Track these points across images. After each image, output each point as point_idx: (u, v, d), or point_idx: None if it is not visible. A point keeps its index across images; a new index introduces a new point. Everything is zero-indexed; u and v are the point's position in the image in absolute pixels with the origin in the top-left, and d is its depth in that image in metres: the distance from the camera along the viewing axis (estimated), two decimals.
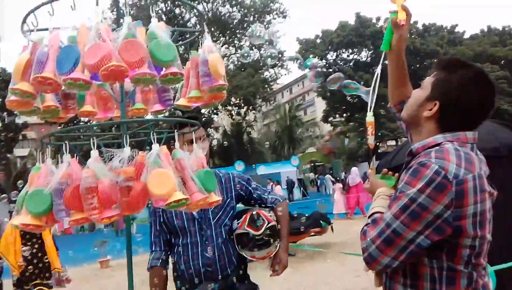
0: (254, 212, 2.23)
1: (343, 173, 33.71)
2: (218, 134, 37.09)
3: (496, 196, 1.37)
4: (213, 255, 2.23)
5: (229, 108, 31.96)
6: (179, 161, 1.59)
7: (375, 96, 1.64)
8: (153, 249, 2.34)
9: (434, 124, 1.40)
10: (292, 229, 8.33)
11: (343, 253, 7.56)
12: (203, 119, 29.59)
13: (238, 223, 2.26)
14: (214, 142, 35.93)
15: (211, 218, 2.28)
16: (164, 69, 1.48)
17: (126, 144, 1.45)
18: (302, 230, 8.08)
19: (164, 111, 2.02)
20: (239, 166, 25.99)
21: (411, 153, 1.42)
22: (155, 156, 1.46)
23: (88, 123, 1.66)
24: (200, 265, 2.21)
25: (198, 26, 27.17)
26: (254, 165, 27.45)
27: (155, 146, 1.48)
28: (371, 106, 1.66)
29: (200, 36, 1.84)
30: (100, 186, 1.36)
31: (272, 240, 2.22)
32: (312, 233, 8.67)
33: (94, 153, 1.39)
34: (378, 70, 1.65)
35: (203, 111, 29.53)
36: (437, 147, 1.32)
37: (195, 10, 28.19)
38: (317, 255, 8.37)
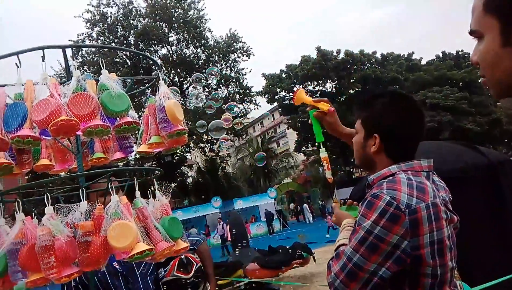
0: (183, 256, 2.21)
1: (321, 201, 33.91)
2: (192, 171, 36.75)
3: (458, 221, 1.39)
4: None
5: (202, 145, 31.89)
6: (141, 211, 1.55)
7: (321, 136, 1.73)
8: None
9: (384, 156, 1.43)
10: (275, 263, 8.24)
11: (326, 286, 7.47)
12: (176, 158, 29.35)
13: (165, 271, 2.22)
14: (189, 180, 35.53)
15: (135, 269, 2.18)
16: (118, 119, 1.47)
17: (83, 198, 1.42)
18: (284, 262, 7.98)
19: (126, 158, 2.00)
20: (216, 202, 25.68)
21: (368, 185, 1.44)
22: (114, 207, 1.43)
23: (45, 179, 1.61)
24: None
25: (164, 69, 27.43)
26: (231, 200, 27.15)
27: (114, 197, 1.45)
28: (321, 143, 1.73)
29: (157, 83, 1.85)
30: (56, 244, 1.32)
31: (200, 281, 2.23)
32: (295, 265, 8.56)
33: (49, 209, 1.35)
34: (322, 155, 1.77)
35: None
36: (390, 178, 1.33)
37: (158, 53, 28.66)
38: (301, 288, 8.23)
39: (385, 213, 1.23)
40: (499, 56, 0.77)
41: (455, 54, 39.32)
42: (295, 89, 35.51)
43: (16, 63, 1.39)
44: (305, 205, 31.13)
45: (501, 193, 3.34)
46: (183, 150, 31.38)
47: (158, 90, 1.74)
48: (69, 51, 1.57)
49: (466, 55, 38.44)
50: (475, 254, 2.98)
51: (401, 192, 1.25)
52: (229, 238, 18.61)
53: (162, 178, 1.72)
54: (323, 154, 1.73)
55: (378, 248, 1.23)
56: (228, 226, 19.35)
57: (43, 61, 1.40)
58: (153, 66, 26.42)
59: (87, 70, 25.18)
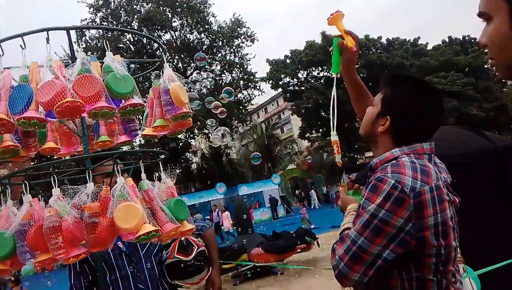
0: (182, 238, 2.22)
1: (325, 187, 34.00)
2: (197, 157, 36.87)
3: (459, 203, 1.40)
4: (147, 286, 2.17)
5: (206, 131, 31.94)
6: (146, 193, 1.56)
7: (335, 117, 1.66)
8: None
9: (389, 138, 1.43)
10: (279, 247, 8.31)
11: (330, 269, 7.53)
12: (180, 144, 29.43)
13: (167, 253, 2.24)
14: (194, 166, 35.66)
15: (139, 249, 2.22)
16: (123, 101, 1.47)
17: (90, 180, 1.42)
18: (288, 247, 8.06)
19: (131, 141, 2.00)
20: (221, 188, 25.81)
21: (371, 168, 1.44)
22: (120, 189, 1.44)
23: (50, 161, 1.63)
24: None
25: (168, 55, 27.28)
26: (236, 186, 27.27)
27: (120, 179, 1.45)
28: (333, 126, 1.66)
29: (161, 66, 1.85)
30: (64, 225, 1.33)
31: (203, 265, 2.23)
32: (299, 250, 8.63)
33: (56, 191, 1.36)
34: (334, 92, 1.68)
35: (180, 136, 29.41)
36: (394, 161, 1.34)
37: (162, 39, 28.50)
38: (305, 272, 8.31)
39: (390, 196, 1.23)
40: (508, 38, 0.78)
41: (461, 39, 38.80)
42: (299, 74, 35.27)
43: (20, 45, 1.39)
44: (312, 191, 31.28)
45: (506, 178, 3.33)
46: (187, 136, 31.46)
47: (163, 73, 1.73)
48: (73, 34, 1.57)
49: (472, 40, 37.96)
50: (480, 238, 2.98)
51: (405, 176, 1.26)
52: (224, 225, 18.80)
53: (167, 162, 1.73)
54: (334, 137, 1.67)
55: (382, 231, 1.24)
56: (223, 214, 19.58)
57: (48, 42, 1.39)
58: (157, 52, 26.30)
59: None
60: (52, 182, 1.37)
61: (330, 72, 1.70)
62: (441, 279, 1.30)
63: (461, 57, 33.89)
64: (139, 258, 2.20)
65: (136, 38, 27.14)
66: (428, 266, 1.28)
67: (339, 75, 1.74)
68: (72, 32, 1.58)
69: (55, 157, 1.85)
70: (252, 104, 40.04)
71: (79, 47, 1.65)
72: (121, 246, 2.18)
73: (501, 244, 3.12)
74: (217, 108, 4.86)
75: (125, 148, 2.03)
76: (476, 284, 2.80)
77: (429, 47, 38.86)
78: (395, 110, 1.41)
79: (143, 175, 1.59)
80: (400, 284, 1.30)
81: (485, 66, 33.96)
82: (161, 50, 1.88)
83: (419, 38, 38.94)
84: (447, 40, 39.19)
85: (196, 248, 2.22)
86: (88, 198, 1.41)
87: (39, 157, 1.86)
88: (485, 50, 0.86)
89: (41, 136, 1.86)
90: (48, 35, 1.43)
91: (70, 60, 1.48)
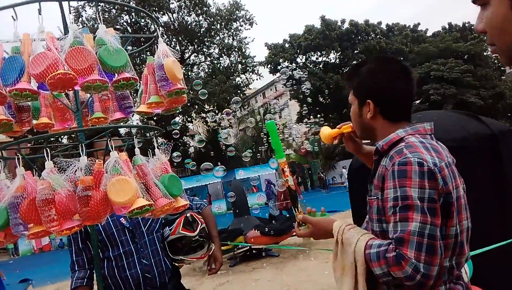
0: (188, 215, 2.25)
1: (322, 172, 34.14)
2: (194, 141, 36.83)
3: (463, 184, 1.38)
4: (150, 261, 2.20)
5: (203, 115, 31.83)
6: (140, 168, 1.57)
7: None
8: (76, 268, 2.19)
9: (382, 119, 1.43)
10: (275, 230, 8.37)
11: (326, 249, 7.62)
12: (178, 127, 29.38)
13: (170, 229, 2.27)
14: (191, 150, 35.66)
15: (142, 225, 2.25)
16: (116, 75, 1.46)
17: (83, 153, 1.42)
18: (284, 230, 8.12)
19: (125, 118, 1.99)
20: (218, 172, 25.86)
21: (377, 152, 1.41)
22: (114, 164, 1.44)
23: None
24: (139, 272, 2.16)
25: (165, 37, 27.01)
26: (233, 170, 27.32)
27: (113, 153, 1.45)
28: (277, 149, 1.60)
29: (155, 42, 1.83)
30: (57, 197, 1.33)
31: (205, 241, 2.27)
32: (294, 233, 8.68)
33: (49, 164, 1.36)
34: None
35: (177, 119, 29.30)
36: (403, 143, 1.32)
37: (159, 20, 28.15)
38: (301, 254, 8.40)
39: (423, 173, 1.21)
40: (508, 20, 0.71)
41: (461, 25, 38.56)
42: (298, 59, 35.00)
43: (12, 16, 1.37)
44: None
45: (501, 162, 3.35)
46: (184, 119, 31.36)
47: (157, 48, 1.71)
48: (65, 6, 1.54)
49: (472, 27, 37.63)
50: (476, 221, 3.00)
51: (423, 154, 1.25)
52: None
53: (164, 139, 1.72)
54: (281, 158, 1.61)
55: (435, 209, 1.21)
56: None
57: (40, 14, 1.37)
58: (154, 34, 26.04)
59: None
60: (45, 155, 1.36)
61: (275, 157, 1.60)
62: (453, 265, 1.28)
63: (461, 44, 33.71)
64: (142, 234, 2.23)
65: (133, 20, 26.79)
66: (448, 248, 1.25)
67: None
68: (67, 11, 1.54)
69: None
70: (250, 89, 39.84)
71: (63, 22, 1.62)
72: (124, 222, 2.21)
73: (494, 228, 3.16)
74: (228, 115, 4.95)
75: None
76: (469, 266, 2.83)
77: (429, 33, 38.72)
78: (370, 91, 1.42)
79: (137, 150, 1.59)
80: None
81: (484, 54, 33.84)
82: (155, 26, 1.85)
83: (419, 24, 38.85)
84: (447, 26, 38.96)
85: (200, 225, 2.25)
86: (81, 172, 1.41)
87: (33, 133, 1.85)
88: (484, 37, 0.80)
89: (34, 111, 1.85)
90: (40, 6, 1.40)
91: (63, 34, 1.46)
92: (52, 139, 1.47)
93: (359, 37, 34.78)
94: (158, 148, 1.73)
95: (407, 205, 1.20)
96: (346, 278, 1.34)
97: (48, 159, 1.37)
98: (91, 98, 1.91)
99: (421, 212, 1.18)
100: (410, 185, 1.20)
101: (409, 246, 1.18)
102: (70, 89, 1.33)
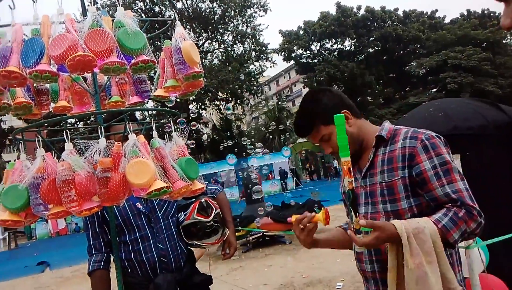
0: (202, 200, 2.26)
1: (334, 160, 34.01)
2: (208, 129, 37.01)
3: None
4: (166, 246, 2.22)
5: (217, 102, 31.87)
6: (158, 150, 1.58)
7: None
8: (93, 252, 2.20)
9: (361, 121, 1.66)
10: (287, 217, 8.38)
11: None
12: (192, 115, 29.53)
13: (185, 214, 2.28)
14: (204, 137, 35.86)
15: (157, 210, 2.26)
16: (134, 57, 1.46)
17: (102, 135, 1.44)
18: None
19: (142, 102, 2.00)
20: (231, 159, 25.98)
21: (382, 139, 1.58)
22: (132, 146, 1.45)
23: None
24: (155, 256, 2.18)
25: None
26: (246, 157, 27.40)
27: (132, 136, 1.46)
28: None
29: (172, 26, 1.82)
30: (76, 178, 1.35)
31: (219, 227, 2.28)
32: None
33: (68, 145, 1.37)
34: None
35: (191, 107, 29.41)
36: (404, 129, 1.57)
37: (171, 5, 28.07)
38: None
39: (444, 144, 1.49)
40: None
41: (480, 12, 37.59)
42: (312, 46, 34.57)
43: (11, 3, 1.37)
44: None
45: None
46: (198, 107, 31.45)
47: (174, 32, 1.71)
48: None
49: (491, 14, 36.74)
50: (493, 209, 2.97)
51: (426, 131, 1.53)
52: None
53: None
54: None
55: (457, 169, 1.46)
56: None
57: None
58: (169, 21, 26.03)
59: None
60: (65, 136, 1.38)
61: (341, 155, 1.41)
62: None
63: (479, 31, 32.93)
64: (158, 219, 2.25)
65: (148, 7, 26.76)
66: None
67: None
68: None
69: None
70: (264, 76, 39.68)
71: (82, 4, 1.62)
72: (140, 207, 2.23)
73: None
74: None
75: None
76: (485, 254, 2.81)
77: (447, 20, 37.90)
78: (336, 107, 1.59)
79: (155, 133, 1.60)
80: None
81: (504, 42, 33.01)
82: (171, 10, 1.85)
83: (436, 10, 38.04)
84: (465, 13, 38.03)
85: (214, 210, 2.26)
86: (100, 154, 1.42)
87: (52, 116, 1.87)
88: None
89: (53, 94, 1.88)
90: None
91: (82, 14, 1.46)
92: (70, 123, 1.48)
93: (375, 24, 34.23)
94: (176, 130, 1.74)
95: (447, 169, 1.43)
96: (430, 265, 1.33)
97: (68, 141, 1.38)
98: (108, 82, 1.92)
99: (457, 172, 1.44)
100: (443, 152, 1.45)
101: (467, 199, 1.40)
102: (89, 71, 1.34)
